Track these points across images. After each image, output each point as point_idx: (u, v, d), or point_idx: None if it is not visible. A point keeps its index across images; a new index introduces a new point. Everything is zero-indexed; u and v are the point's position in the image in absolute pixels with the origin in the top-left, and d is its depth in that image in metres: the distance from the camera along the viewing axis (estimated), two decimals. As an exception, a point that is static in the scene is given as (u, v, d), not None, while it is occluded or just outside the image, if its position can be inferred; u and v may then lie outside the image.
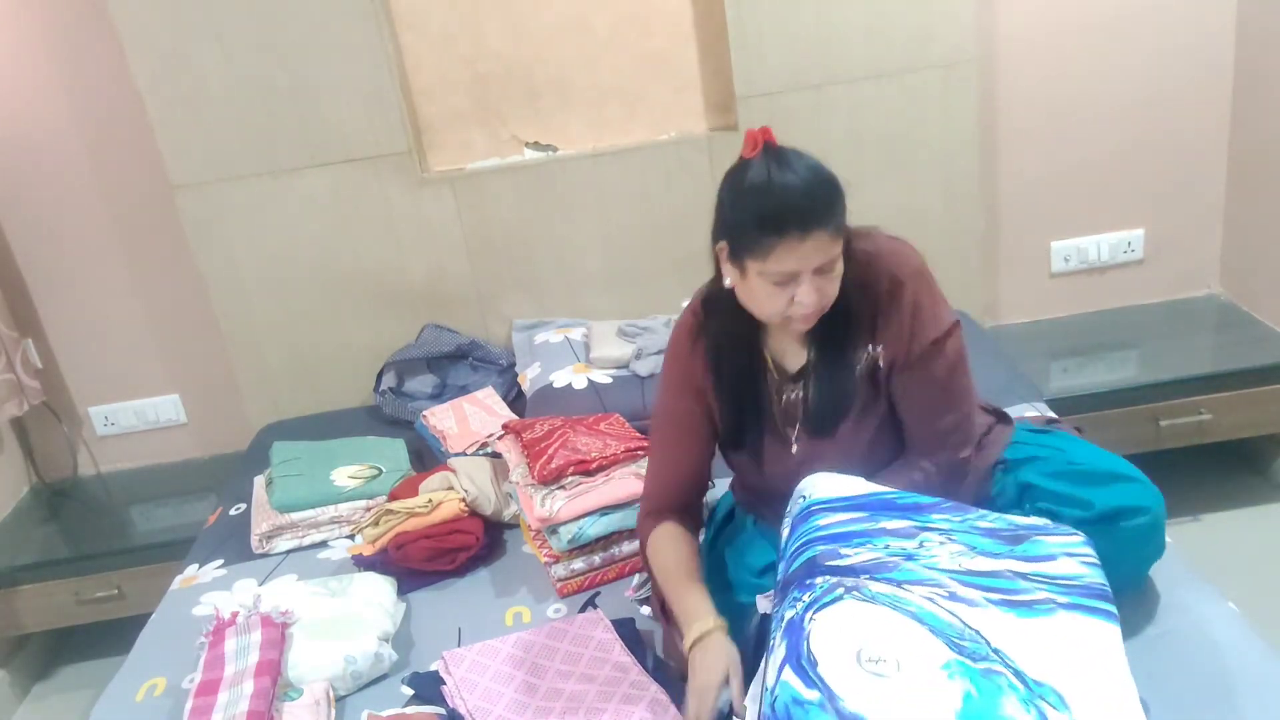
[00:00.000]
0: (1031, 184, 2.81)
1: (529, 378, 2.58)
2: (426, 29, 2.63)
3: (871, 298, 1.47)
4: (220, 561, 2.15)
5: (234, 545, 2.20)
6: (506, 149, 2.76)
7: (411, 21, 2.62)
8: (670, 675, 1.55)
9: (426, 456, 2.42)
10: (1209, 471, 2.67)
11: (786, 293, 1.38)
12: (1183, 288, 2.94)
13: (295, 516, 2.16)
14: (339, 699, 1.64)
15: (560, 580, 1.85)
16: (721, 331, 1.55)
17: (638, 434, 2.07)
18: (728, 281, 1.47)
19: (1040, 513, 1.43)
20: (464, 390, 2.68)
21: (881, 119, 2.63)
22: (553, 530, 1.85)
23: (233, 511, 2.37)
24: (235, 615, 1.75)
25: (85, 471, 3.04)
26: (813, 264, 1.36)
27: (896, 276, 1.46)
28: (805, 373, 1.52)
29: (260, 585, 2.02)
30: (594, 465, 1.91)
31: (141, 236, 2.81)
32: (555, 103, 2.72)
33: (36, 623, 2.63)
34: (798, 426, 1.54)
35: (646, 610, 1.74)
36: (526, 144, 2.76)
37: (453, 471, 2.10)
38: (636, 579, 1.81)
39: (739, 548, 1.66)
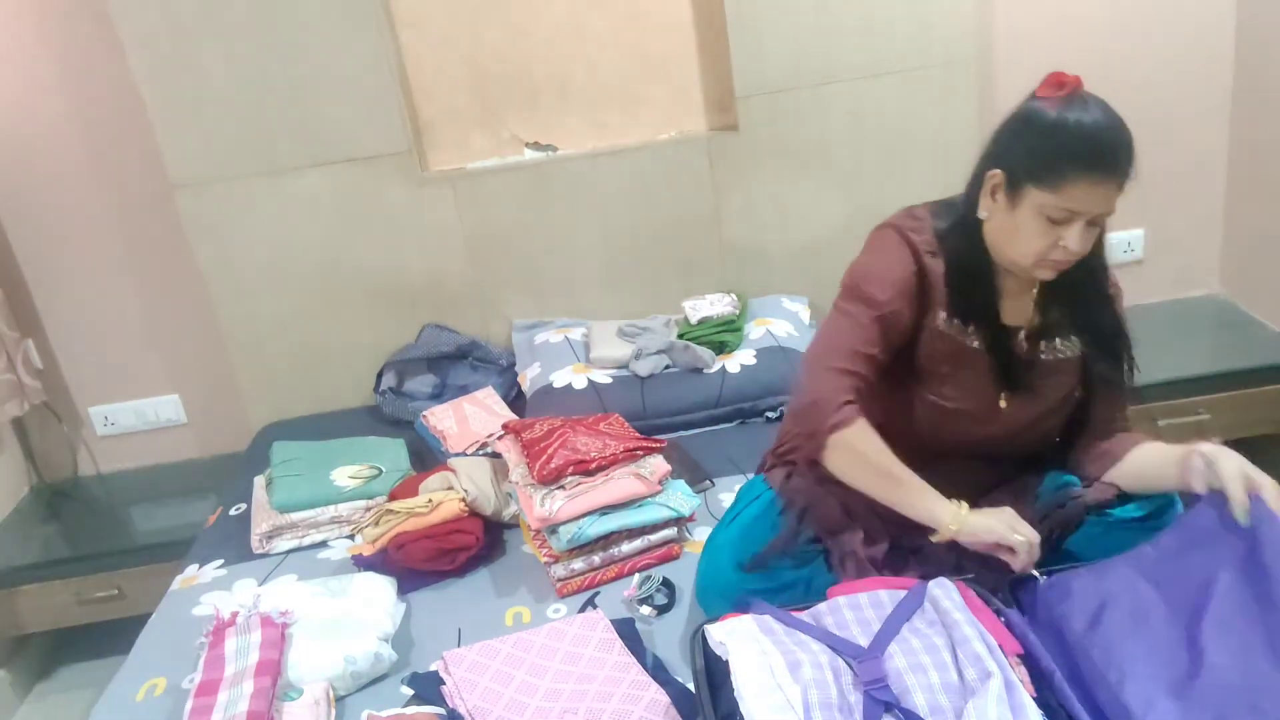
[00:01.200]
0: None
1: (529, 378, 2.58)
2: (427, 29, 2.63)
3: (1102, 278, 1.55)
4: (220, 561, 2.15)
5: (234, 545, 2.20)
6: (506, 149, 2.76)
7: (411, 21, 2.62)
8: (667, 677, 1.55)
9: (426, 456, 2.42)
10: (1209, 471, 2.67)
11: (1055, 233, 1.40)
12: (1182, 287, 2.94)
13: (295, 516, 2.16)
14: (339, 699, 1.64)
15: (560, 580, 1.85)
16: (962, 256, 1.51)
17: (638, 434, 2.07)
18: (983, 213, 1.47)
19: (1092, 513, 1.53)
20: (464, 390, 2.68)
21: (881, 118, 2.63)
22: (552, 530, 1.85)
23: (233, 511, 2.37)
24: (235, 615, 1.75)
25: (85, 471, 3.04)
26: (1097, 209, 1.39)
27: (1115, 278, 1.59)
28: (1021, 328, 1.55)
29: (260, 585, 2.02)
30: (594, 465, 1.91)
31: (141, 236, 2.81)
32: (555, 102, 2.72)
33: (37, 623, 2.63)
34: (1009, 381, 1.54)
35: (646, 610, 1.75)
36: (526, 144, 2.76)
37: (453, 471, 2.10)
38: (636, 578, 1.81)
39: (754, 541, 1.65)
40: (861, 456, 1.47)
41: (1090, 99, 1.40)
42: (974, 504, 1.48)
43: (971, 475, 1.59)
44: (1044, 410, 1.57)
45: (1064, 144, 1.36)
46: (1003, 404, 1.55)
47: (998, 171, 1.44)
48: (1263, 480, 1.38)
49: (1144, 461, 1.54)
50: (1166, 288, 2.93)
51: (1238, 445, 2.72)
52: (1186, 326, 2.81)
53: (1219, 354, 2.69)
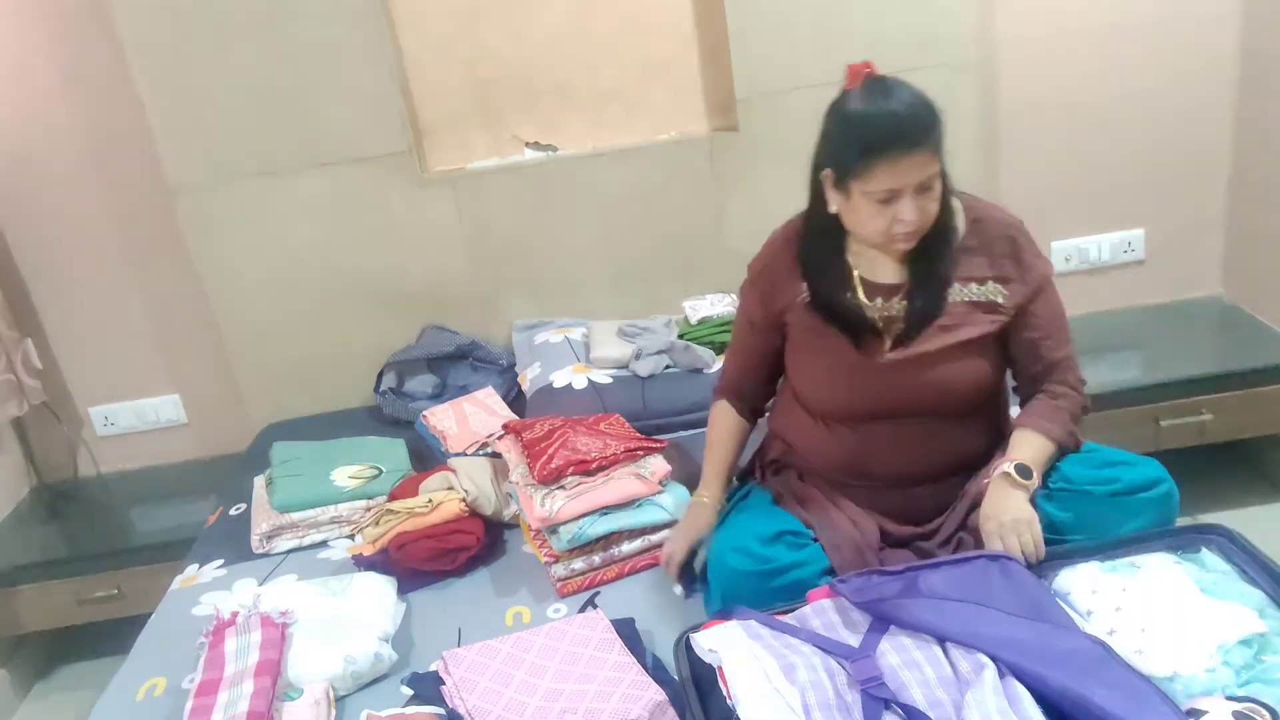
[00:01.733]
0: (1032, 184, 2.81)
1: (529, 378, 2.58)
2: (427, 31, 2.63)
3: (985, 242, 1.63)
4: (220, 561, 2.15)
5: (234, 545, 2.20)
6: (507, 149, 2.76)
7: (412, 24, 2.62)
8: (667, 677, 1.55)
9: (426, 456, 2.42)
10: (1209, 472, 2.67)
11: (890, 211, 1.51)
12: (1184, 288, 2.93)
13: (295, 516, 2.16)
14: (339, 699, 1.64)
15: (560, 580, 1.85)
16: (813, 250, 1.68)
17: (638, 434, 2.07)
18: (833, 207, 1.59)
19: (1074, 491, 1.58)
20: (464, 390, 2.68)
21: (882, 119, 2.63)
22: (553, 530, 1.85)
23: (233, 512, 2.37)
24: (235, 615, 1.75)
25: (85, 472, 3.04)
26: (913, 181, 1.49)
27: (1010, 224, 1.65)
28: (899, 288, 1.64)
29: (260, 585, 2.02)
30: (594, 465, 1.91)
31: (141, 237, 2.81)
32: (556, 103, 2.72)
33: (36, 623, 2.63)
34: (892, 338, 1.64)
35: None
36: (527, 144, 2.76)
37: (453, 471, 2.10)
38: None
39: (750, 515, 1.70)
40: (709, 426, 1.88)
41: (885, 81, 1.52)
42: (934, 473, 1.66)
43: (918, 441, 1.66)
44: (926, 359, 1.62)
45: (857, 136, 1.50)
46: (890, 354, 1.63)
47: (828, 170, 1.57)
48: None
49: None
50: (1167, 288, 2.93)
51: (1239, 445, 2.74)
52: (1188, 327, 2.80)
53: (1220, 355, 2.69)
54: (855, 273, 1.66)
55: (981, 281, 1.63)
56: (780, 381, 1.88)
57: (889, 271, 1.65)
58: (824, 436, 1.72)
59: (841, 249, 1.67)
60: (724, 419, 1.88)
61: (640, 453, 1.97)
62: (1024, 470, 1.55)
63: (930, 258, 1.61)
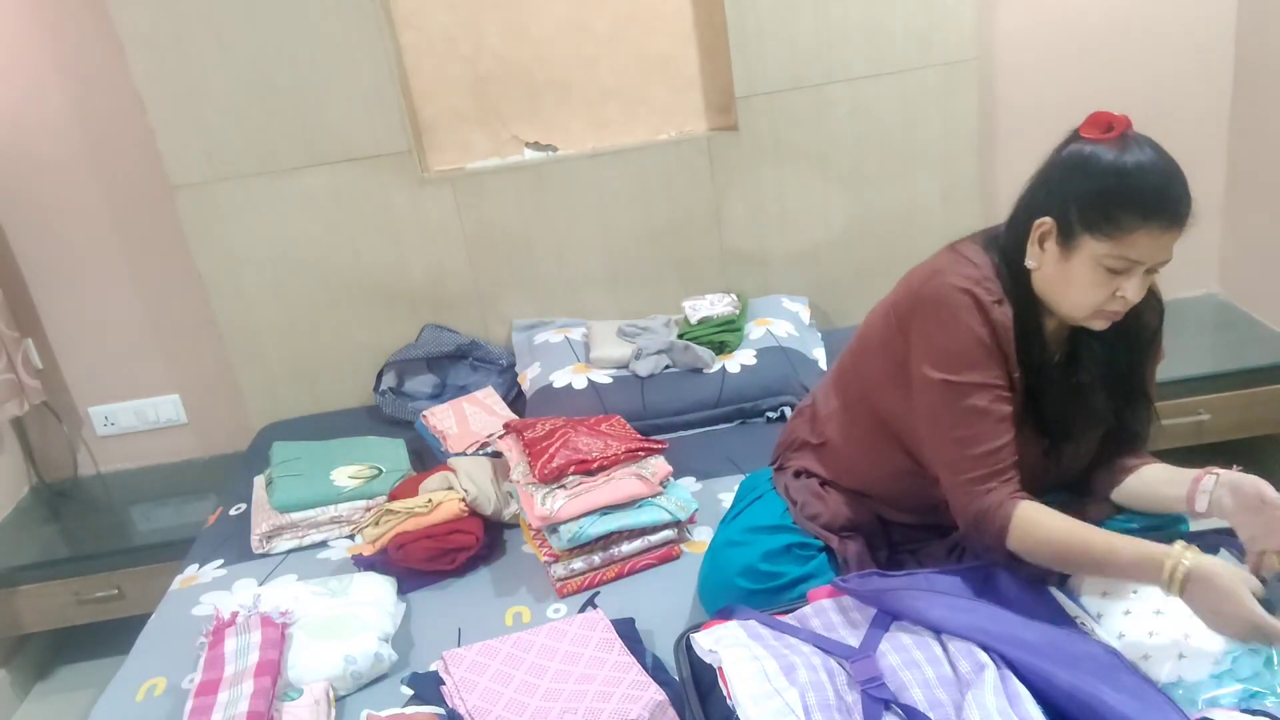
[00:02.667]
0: (1031, 184, 2.81)
1: (529, 378, 2.58)
2: (427, 29, 2.63)
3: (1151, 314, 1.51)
4: (220, 561, 2.15)
5: (234, 545, 2.20)
6: (506, 149, 2.76)
7: (412, 21, 2.62)
8: (667, 678, 1.55)
9: (426, 456, 2.42)
10: (1208, 471, 2.67)
11: (1113, 283, 1.34)
12: (1181, 287, 2.94)
13: (295, 516, 2.16)
14: (339, 699, 1.64)
15: (560, 580, 1.85)
16: (1027, 317, 1.43)
17: (638, 435, 2.07)
18: (1032, 262, 1.40)
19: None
20: (464, 390, 2.68)
21: (882, 119, 2.63)
22: (553, 529, 1.85)
23: (233, 511, 2.37)
24: (235, 615, 1.75)
25: (85, 471, 3.04)
26: (1158, 259, 1.33)
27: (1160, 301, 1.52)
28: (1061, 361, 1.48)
29: (260, 585, 2.02)
30: (595, 465, 1.91)
31: (141, 236, 2.81)
32: (555, 103, 2.72)
33: (36, 623, 2.63)
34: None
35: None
36: (527, 144, 2.76)
37: (453, 471, 2.10)
38: None
39: (758, 524, 1.66)
40: (1042, 546, 1.35)
41: (1142, 140, 1.35)
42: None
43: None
44: (1088, 444, 1.52)
45: (1125, 191, 1.30)
46: (1045, 446, 1.48)
47: (1048, 219, 1.37)
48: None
49: (1150, 478, 1.49)
50: (1165, 287, 2.87)
51: (1238, 445, 2.74)
52: (1185, 326, 2.80)
53: (1218, 354, 2.69)
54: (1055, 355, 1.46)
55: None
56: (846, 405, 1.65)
57: (1052, 345, 1.47)
58: (917, 490, 1.56)
59: (1041, 323, 1.45)
60: (1043, 520, 1.37)
61: (641, 453, 1.97)
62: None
63: (1109, 338, 1.44)
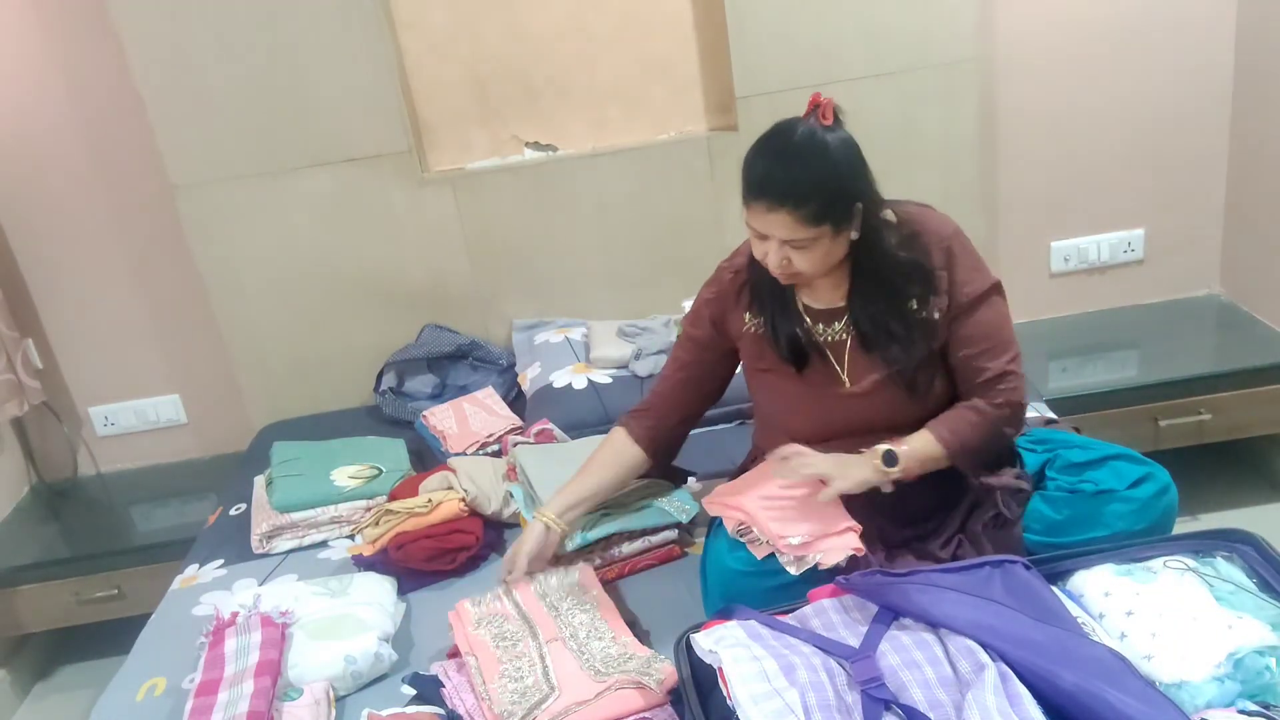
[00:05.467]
0: (1032, 184, 2.81)
1: (529, 378, 2.58)
2: (427, 29, 2.63)
3: (922, 259, 1.61)
4: (220, 561, 2.15)
5: (234, 545, 2.20)
6: (506, 149, 2.76)
7: (411, 21, 2.62)
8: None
9: (426, 456, 2.42)
10: (1209, 471, 2.67)
11: (763, 246, 1.56)
12: (1183, 288, 2.94)
13: (295, 516, 2.16)
14: (339, 699, 1.64)
15: (560, 580, 1.85)
16: (759, 275, 1.67)
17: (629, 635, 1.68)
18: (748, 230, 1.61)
19: (1065, 492, 1.61)
20: (464, 390, 2.68)
21: (882, 119, 2.63)
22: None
23: (233, 511, 2.37)
24: (235, 615, 1.75)
25: (85, 471, 3.04)
26: (773, 232, 1.52)
27: (945, 235, 1.63)
28: (843, 311, 1.65)
29: (260, 585, 2.02)
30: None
31: (141, 236, 2.81)
32: (555, 103, 2.72)
33: (36, 623, 2.63)
34: (846, 362, 1.65)
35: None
36: (526, 144, 2.76)
37: (453, 471, 2.10)
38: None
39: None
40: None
41: (808, 131, 1.52)
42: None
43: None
44: (879, 385, 1.63)
45: (747, 167, 1.54)
46: (846, 384, 1.65)
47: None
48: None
49: None
50: (1167, 288, 2.93)
51: (1237, 445, 2.74)
52: (1187, 326, 2.80)
53: (1219, 354, 2.69)
54: (800, 300, 1.68)
55: (922, 299, 1.62)
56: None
57: (827, 295, 1.66)
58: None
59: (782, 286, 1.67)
60: (617, 444, 1.82)
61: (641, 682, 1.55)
62: (890, 457, 1.55)
63: (863, 290, 1.62)
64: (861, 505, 1.66)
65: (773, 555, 1.59)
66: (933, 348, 1.62)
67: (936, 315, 1.61)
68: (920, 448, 1.57)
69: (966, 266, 1.62)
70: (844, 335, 1.65)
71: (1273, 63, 2.58)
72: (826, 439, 1.64)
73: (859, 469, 1.55)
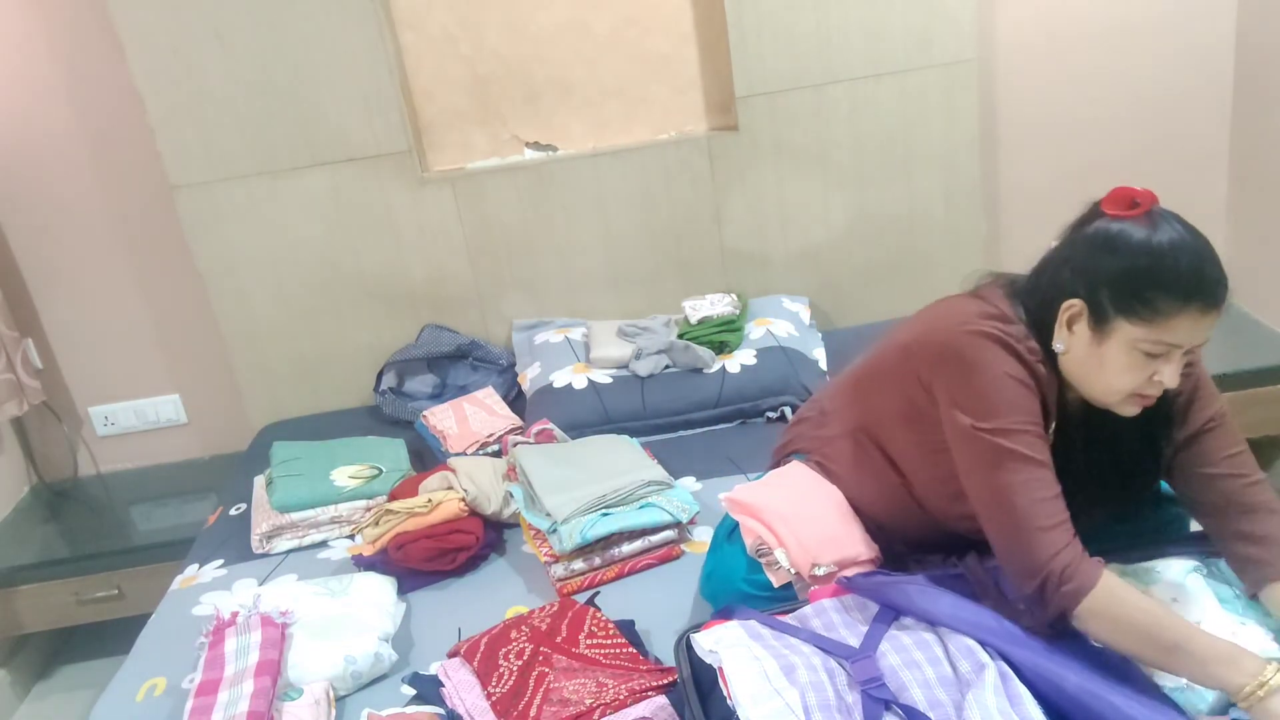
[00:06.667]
0: (1032, 185, 2.81)
1: (529, 378, 2.58)
2: (427, 29, 2.63)
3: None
4: (220, 561, 2.15)
5: (234, 545, 2.20)
6: (507, 149, 2.76)
7: (412, 21, 2.62)
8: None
9: (426, 456, 2.42)
10: (1209, 472, 2.67)
11: (1149, 368, 1.28)
12: (1183, 288, 2.93)
13: (295, 516, 2.16)
14: (339, 699, 1.64)
15: (560, 580, 1.85)
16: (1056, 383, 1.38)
17: (630, 649, 1.63)
18: (1059, 345, 1.34)
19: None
20: (464, 390, 2.68)
21: (882, 120, 2.63)
22: (553, 531, 1.85)
23: (233, 511, 2.37)
24: (235, 615, 1.75)
25: (85, 471, 3.04)
26: (1197, 341, 1.27)
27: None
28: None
29: (260, 585, 2.02)
30: (595, 715, 1.48)
31: (141, 237, 2.81)
32: (555, 103, 2.72)
33: (36, 623, 2.63)
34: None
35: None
36: (527, 144, 2.76)
37: (453, 471, 2.10)
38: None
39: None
40: (1118, 621, 1.25)
41: (1170, 216, 1.30)
42: None
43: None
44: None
45: (1161, 273, 1.25)
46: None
47: (1077, 301, 1.32)
48: None
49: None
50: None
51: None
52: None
53: (1220, 355, 2.68)
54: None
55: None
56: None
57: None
58: (923, 523, 1.52)
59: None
60: (1126, 591, 1.28)
61: (651, 692, 1.50)
62: None
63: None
64: (877, 531, 1.61)
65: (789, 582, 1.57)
66: None
67: None
68: None
69: (1206, 383, 1.46)
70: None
71: (1273, 63, 2.58)
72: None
73: None
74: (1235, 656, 1.19)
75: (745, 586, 1.59)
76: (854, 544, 1.55)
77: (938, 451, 1.42)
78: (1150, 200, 1.30)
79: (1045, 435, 1.35)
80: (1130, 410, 1.33)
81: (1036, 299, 1.39)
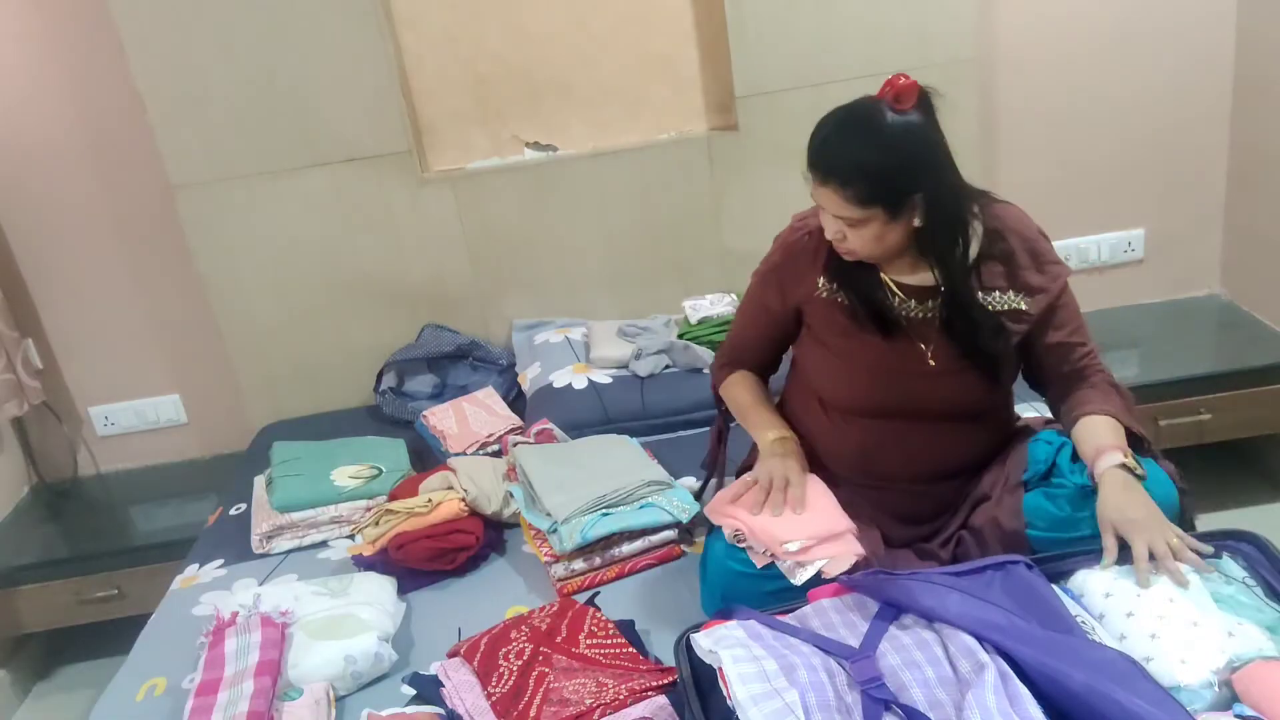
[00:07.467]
0: (1032, 183, 2.81)
1: (529, 378, 2.58)
2: (427, 29, 2.63)
3: (1006, 251, 1.60)
4: (220, 561, 2.15)
5: (234, 545, 2.20)
6: (507, 149, 2.76)
7: (412, 21, 2.62)
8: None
9: (426, 456, 2.42)
10: (1209, 471, 2.67)
11: (826, 216, 1.55)
12: (1183, 287, 2.94)
13: (295, 516, 2.16)
14: (339, 699, 1.64)
15: (560, 580, 1.85)
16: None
17: (630, 649, 1.63)
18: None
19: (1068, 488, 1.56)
20: (464, 390, 2.68)
21: (881, 119, 2.63)
22: (553, 530, 1.85)
23: (233, 511, 2.37)
24: (235, 615, 1.75)
25: (85, 471, 3.04)
26: (830, 209, 1.51)
27: (1026, 235, 1.62)
28: (933, 291, 1.60)
29: (260, 585, 2.02)
30: (595, 715, 1.48)
31: (141, 236, 2.81)
32: (555, 103, 2.72)
33: (36, 623, 2.63)
34: (933, 342, 1.61)
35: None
36: (527, 144, 2.76)
37: (453, 471, 2.10)
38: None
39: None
40: (730, 400, 1.85)
41: (878, 111, 1.48)
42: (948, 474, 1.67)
43: (929, 440, 1.66)
44: (972, 368, 1.62)
45: (809, 143, 1.51)
46: (931, 361, 1.61)
47: None
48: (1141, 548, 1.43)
49: (1079, 434, 1.60)
50: (1166, 288, 2.93)
51: (1237, 445, 2.73)
52: (1186, 326, 2.81)
53: (1219, 354, 2.69)
54: (884, 275, 1.62)
55: (1004, 290, 1.61)
56: (781, 371, 1.89)
57: (912, 272, 1.62)
58: (834, 429, 1.71)
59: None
60: (747, 380, 1.85)
61: (651, 693, 1.50)
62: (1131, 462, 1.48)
63: (948, 271, 1.57)
64: (866, 503, 1.67)
65: (773, 563, 1.58)
66: (1019, 335, 1.62)
67: (1024, 307, 1.60)
68: (1121, 438, 1.55)
69: (1051, 260, 1.63)
70: (930, 314, 1.61)
71: (1273, 63, 2.58)
72: (895, 415, 1.65)
73: (1147, 501, 1.47)
74: (773, 426, 1.75)
75: (734, 564, 1.61)
76: (826, 519, 1.59)
77: (816, 344, 1.73)
78: (888, 86, 1.50)
79: (765, 303, 1.75)
80: (844, 254, 1.58)
81: None
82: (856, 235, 1.52)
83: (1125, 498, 1.45)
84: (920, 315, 1.62)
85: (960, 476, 1.69)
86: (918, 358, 1.62)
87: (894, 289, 1.62)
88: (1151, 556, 1.41)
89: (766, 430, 1.74)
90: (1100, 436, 1.55)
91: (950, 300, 1.59)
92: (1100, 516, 1.46)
